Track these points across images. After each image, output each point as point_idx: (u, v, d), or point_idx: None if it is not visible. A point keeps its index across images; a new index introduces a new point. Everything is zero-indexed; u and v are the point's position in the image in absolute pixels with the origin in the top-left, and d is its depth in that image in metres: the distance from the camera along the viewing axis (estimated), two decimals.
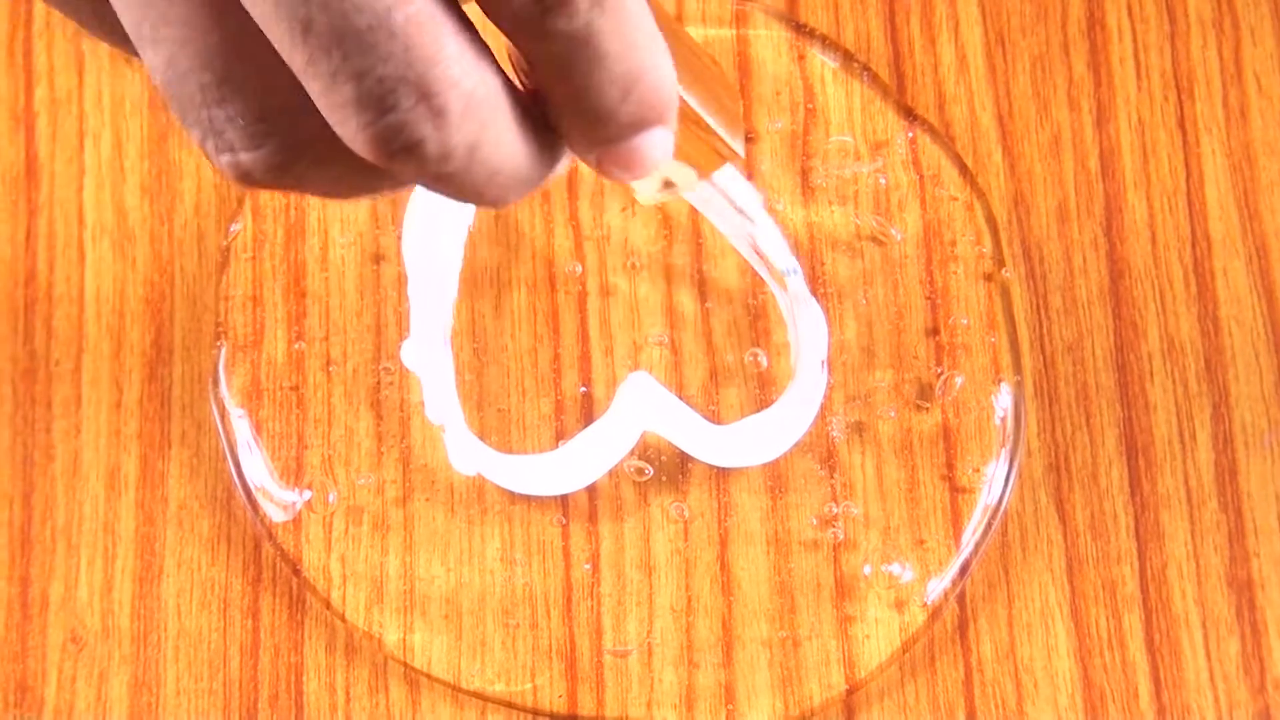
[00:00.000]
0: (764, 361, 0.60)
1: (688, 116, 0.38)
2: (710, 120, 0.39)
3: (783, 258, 0.59)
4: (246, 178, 0.35)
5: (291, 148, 0.35)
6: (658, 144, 0.34)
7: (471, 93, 0.32)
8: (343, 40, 0.32)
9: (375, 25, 0.31)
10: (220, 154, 0.35)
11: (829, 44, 0.63)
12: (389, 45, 0.31)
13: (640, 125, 0.34)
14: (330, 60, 0.32)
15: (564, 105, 0.34)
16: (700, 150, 0.40)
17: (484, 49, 0.33)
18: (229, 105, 0.34)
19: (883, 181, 0.62)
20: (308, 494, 0.59)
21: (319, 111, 0.33)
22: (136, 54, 0.35)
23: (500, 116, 0.33)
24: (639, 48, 0.33)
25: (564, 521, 0.59)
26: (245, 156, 0.34)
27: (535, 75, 0.34)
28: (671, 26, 0.37)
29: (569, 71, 0.33)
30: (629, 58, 0.33)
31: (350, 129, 0.32)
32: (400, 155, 0.32)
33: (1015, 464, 0.59)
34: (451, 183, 0.34)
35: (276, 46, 0.32)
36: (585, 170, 0.62)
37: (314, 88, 0.32)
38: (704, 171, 0.41)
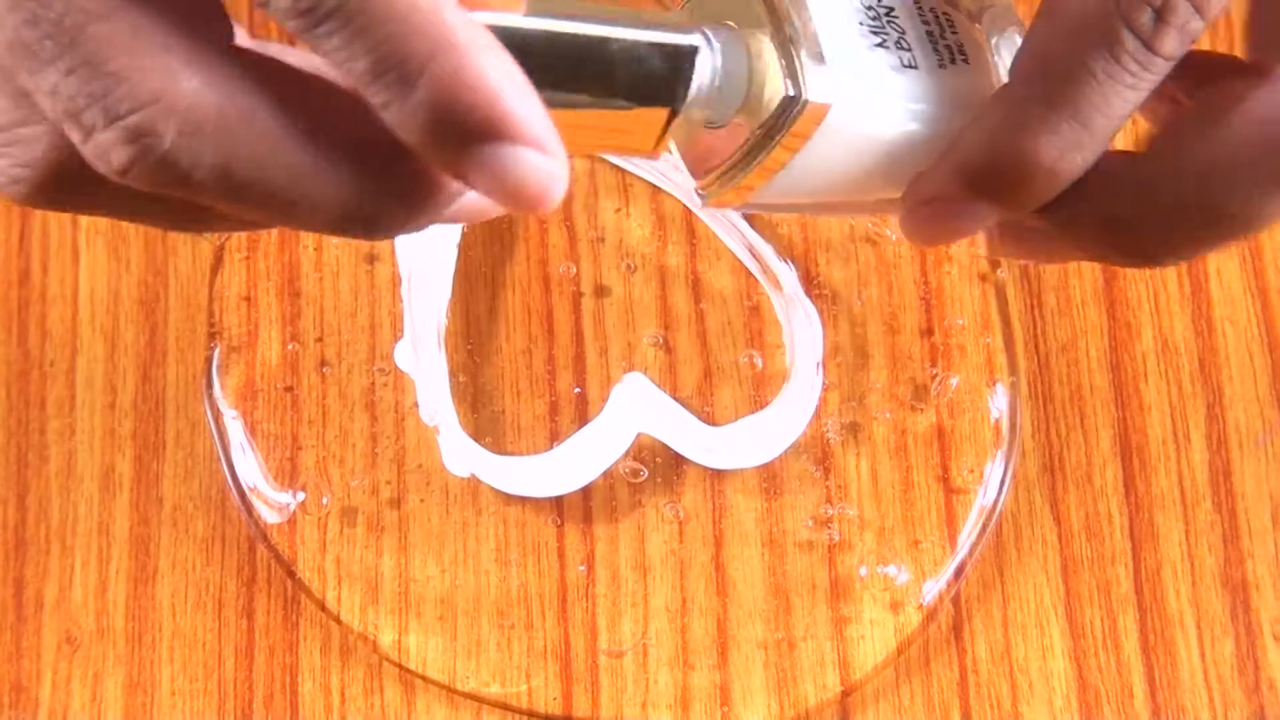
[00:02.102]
0: (759, 363, 0.60)
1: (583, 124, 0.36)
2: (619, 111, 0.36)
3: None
4: (14, 195, 0.34)
5: (23, 163, 0.33)
6: (518, 164, 0.32)
7: (188, 111, 0.31)
8: (19, 55, 0.31)
9: (50, 37, 0.30)
10: None
11: None
12: (65, 61, 0.30)
13: (459, 131, 0.31)
14: (20, 75, 0.31)
15: (368, 97, 0.32)
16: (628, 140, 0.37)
17: (231, 60, 0.32)
18: None
19: None
20: (301, 495, 0.59)
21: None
22: None
23: (260, 137, 0.32)
24: (411, 27, 0.30)
25: (559, 522, 0.59)
26: (13, 172, 0.33)
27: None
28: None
29: (344, 63, 0.31)
30: (394, 39, 0.30)
31: (76, 143, 0.31)
32: (129, 177, 0.31)
33: (1011, 465, 0.59)
34: (248, 213, 0.32)
35: None
36: (579, 170, 0.62)
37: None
38: (644, 149, 0.38)
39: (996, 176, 0.38)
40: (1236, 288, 0.61)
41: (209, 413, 0.60)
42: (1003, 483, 0.59)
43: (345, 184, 0.33)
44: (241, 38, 0.33)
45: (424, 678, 0.58)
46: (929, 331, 0.60)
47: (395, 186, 0.33)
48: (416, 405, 0.59)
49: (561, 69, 0.35)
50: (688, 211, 0.61)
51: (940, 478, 0.59)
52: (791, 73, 0.37)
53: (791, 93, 0.37)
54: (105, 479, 0.60)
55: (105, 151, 0.31)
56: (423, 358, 0.59)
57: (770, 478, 0.59)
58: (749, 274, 0.60)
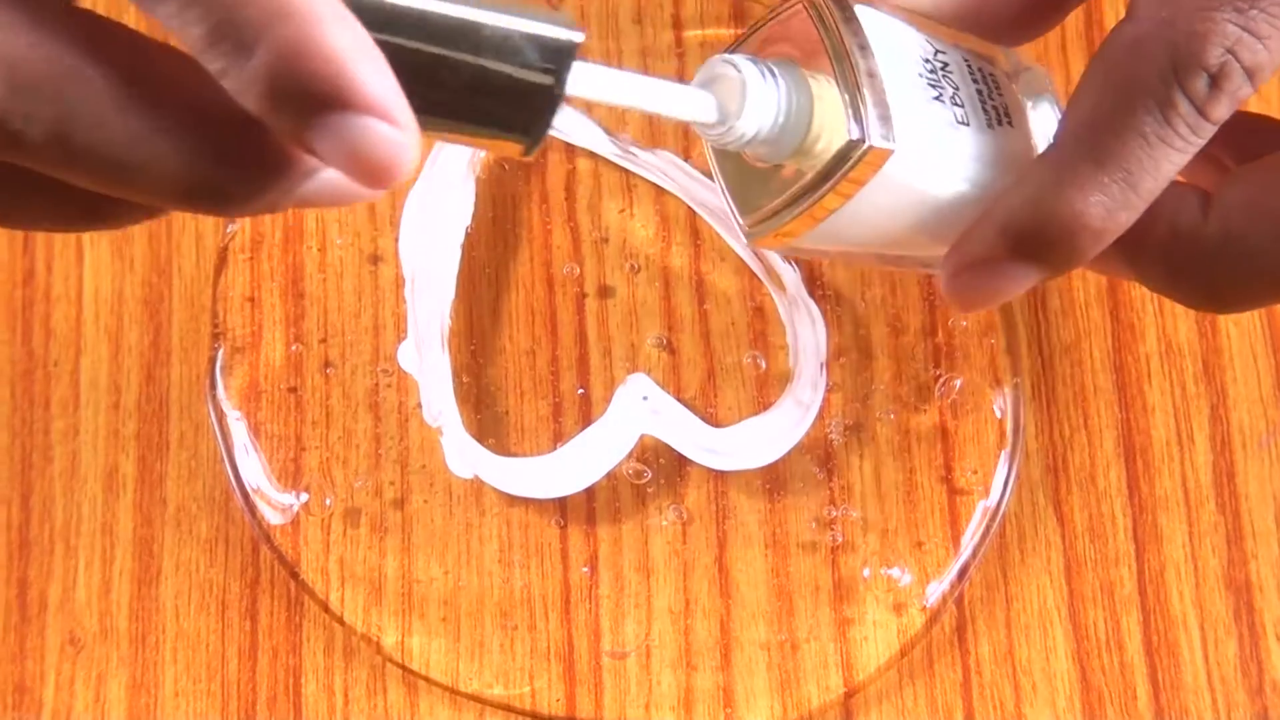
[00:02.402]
0: (762, 364, 0.60)
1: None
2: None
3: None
4: None
5: None
6: (363, 134, 0.30)
7: (17, 67, 0.30)
8: None
9: None
10: None
11: None
12: None
13: (301, 99, 0.30)
14: None
15: (216, 79, 0.31)
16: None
17: (80, 23, 0.31)
18: None
19: None
20: (305, 496, 0.59)
21: None
22: None
23: (96, 99, 0.31)
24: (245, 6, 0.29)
25: (562, 524, 0.59)
26: None
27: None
28: None
29: (181, 29, 0.30)
30: (230, 4, 0.29)
31: None
32: None
33: (1014, 466, 0.59)
34: (90, 181, 0.31)
35: None
36: (584, 171, 0.62)
37: None
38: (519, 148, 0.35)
39: (1041, 237, 0.38)
40: None
41: (212, 414, 0.60)
42: (1006, 484, 0.58)
43: (188, 151, 0.32)
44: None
45: (427, 679, 0.58)
46: (933, 332, 0.60)
47: (242, 157, 0.32)
48: (420, 406, 0.59)
49: (425, 56, 0.33)
50: (691, 212, 0.61)
51: (944, 479, 0.59)
52: (857, 116, 0.37)
53: (855, 136, 0.37)
54: (109, 480, 0.60)
55: None
56: (426, 359, 0.59)
57: (774, 479, 0.59)
58: (752, 275, 0.60)
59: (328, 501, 0.59)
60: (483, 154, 0.61)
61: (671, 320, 0.61)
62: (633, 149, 0.60)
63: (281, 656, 0.59)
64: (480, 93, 0.33)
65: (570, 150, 0.62)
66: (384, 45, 0.31)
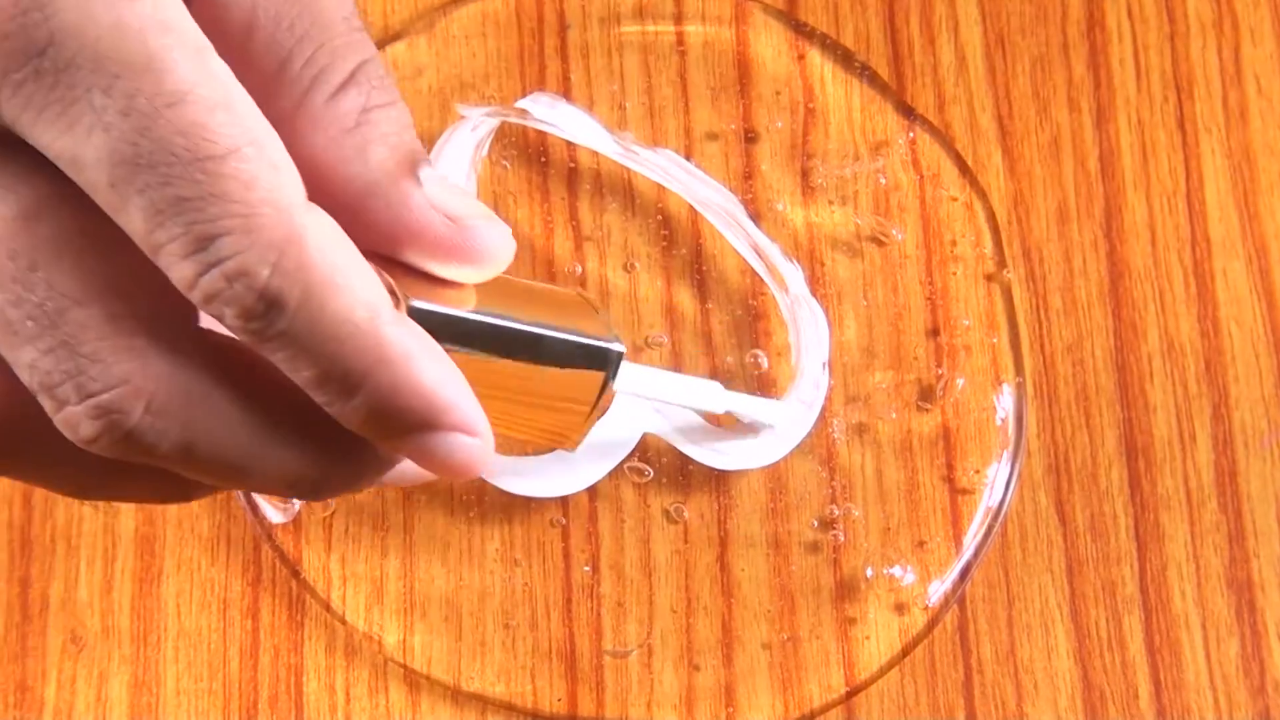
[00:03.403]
0: (764, 363, 0.60)
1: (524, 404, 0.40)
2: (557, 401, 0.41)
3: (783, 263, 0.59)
4: None
5: None
6: (447, 449, 0.36)
7: (155, 393, 0.33)
8: (9, 333, 0.33)
9: (28, 318, 0.33)
10: None
11: (829, 44, 0.63)
12: (44, 340, 0.33)
13: (400, 425, 0.35)
14: (5, 350, 0.33)
15: (320, 401, 0.35)
16: (556, 432, 0.42)
17: (190, 342, 0.34)
18: None
19: (883, 181, 0.62)
20: None
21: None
22: None
23: (215, 412, 0.34)
24: (350, 343, 0.34)
25: (564, 522, 0.59)
26: None
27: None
28: (514, 292, 0.40)
29: (291, 373, 0.34)
30: (334, 358, 0.34)
31: (49, 412, 0.34)
32: (96, 447, 0.34)
33: (1017, 466, 0.59)
34: (205, 479, 0.35)
35: None
36: (584, 169, 0.62)
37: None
38: (571, 441, 0.43)
39: None
40: (1243, 288, 0.61)
41: None
42: (1008, 484, 0.59)
43: (294, 455, 0.36)
44: (204, 319, 0.36)
45: (429, 678, 0.58)
46: (935, 332, 0.60)
47: (339, 458, 0.37)
48: None
49: (499, 356, 0.40)
50: (693, 211, 0.61)
51: (946, 478, 0.59)
52: None
53: None
54: None
55: (75, 424, 0.33)
56: None
57: (775, 478, 0.59)
58: (754, 274, 0.60)
59: (330, 500, 0.59)
60: (484, 152, 0.61)
61: (673, 319, 0.61)
62: (634, 147, 0.60)
63: (283, 655, 0.59)
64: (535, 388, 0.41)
65: (571, 148, 0.62)
66: (462, 355, 0.37)
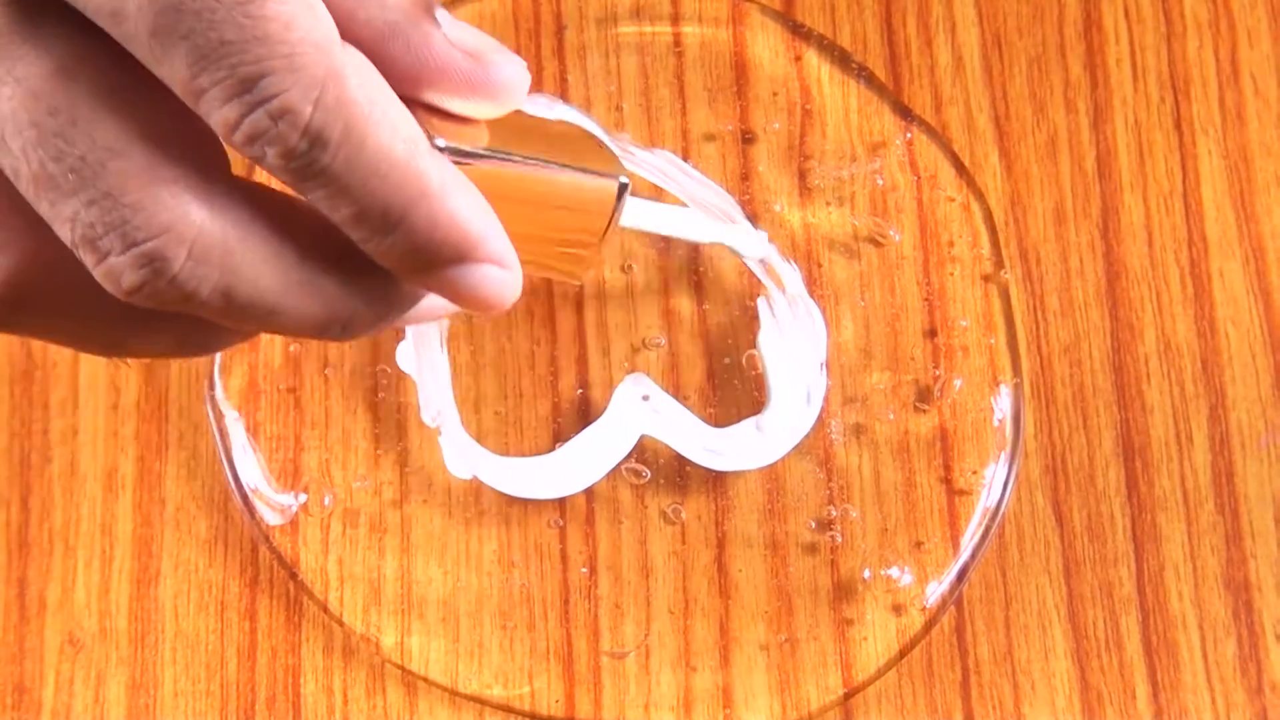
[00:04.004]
0: (762, 364, 0.60)
1: (538, 238, 0.41)
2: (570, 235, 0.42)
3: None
4: None
5: (24, 267, 0.36)
6: (480, 280, 0.36)
7: (199, 235, 0.34)
8: (42, 187, 0.33)
9: (71, 170, 0.33)
10: None
11: (826, 45, 0.63)
12: (86, 191, 0.33)
13: (436, 258, 0.36)
14: (41, 205, 0.34)
15: (354, 236, 0.35)
16: (571, 261, 0.43)
17: (228, 188, 0.35)
18: None
19: (880, 182, 0.62)
20: (304, 496, 0.59)
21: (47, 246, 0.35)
22: None
23: (254, 255, 0.35)
24: (391, 178, 0.34)
25: (561, 524, 0.59)
26: None
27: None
28: (519, 128, 0.40)
29: (330, 211, 0.35)
30: (375, 194, 0.34)
31: (90, 268, 0.34)
32: (138, 297, 0.34)
33: (1014, 467, 0.59)
34: (241, 324, 0.36)
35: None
36: None
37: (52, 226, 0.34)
38: (577, 274, 0.43)
39: None
40: (1239, 289, 0.61)
41: (211, 414, 0.60)
42: (1006, 484, 0.59)
43: (328, 295, 0.36)
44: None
45: (426, 679, 0.58)
46: (932, 333, 0.60)
47: (369, 295, 0.37)
48: (419, 406, 0.59)
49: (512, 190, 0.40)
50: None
51: (943, 479, 0.59)
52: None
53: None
54: (108, 480, 0.60)
55: (118, 273, 0.34)
56: (425, 359, 0.59)
57: (773, 479, 0.59)
58: (751, 274, 0.60)
59: (326, 501, 0.59)
60: None
61: (670, 320, 0.61)
62: (631, 148, 0.60)
63: (280, 656, 0.59)
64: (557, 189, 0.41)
65: None
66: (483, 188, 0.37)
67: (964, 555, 0.58)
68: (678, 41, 0.63)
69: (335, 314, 0.37)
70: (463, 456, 0.59)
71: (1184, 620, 0.58)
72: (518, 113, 0.40)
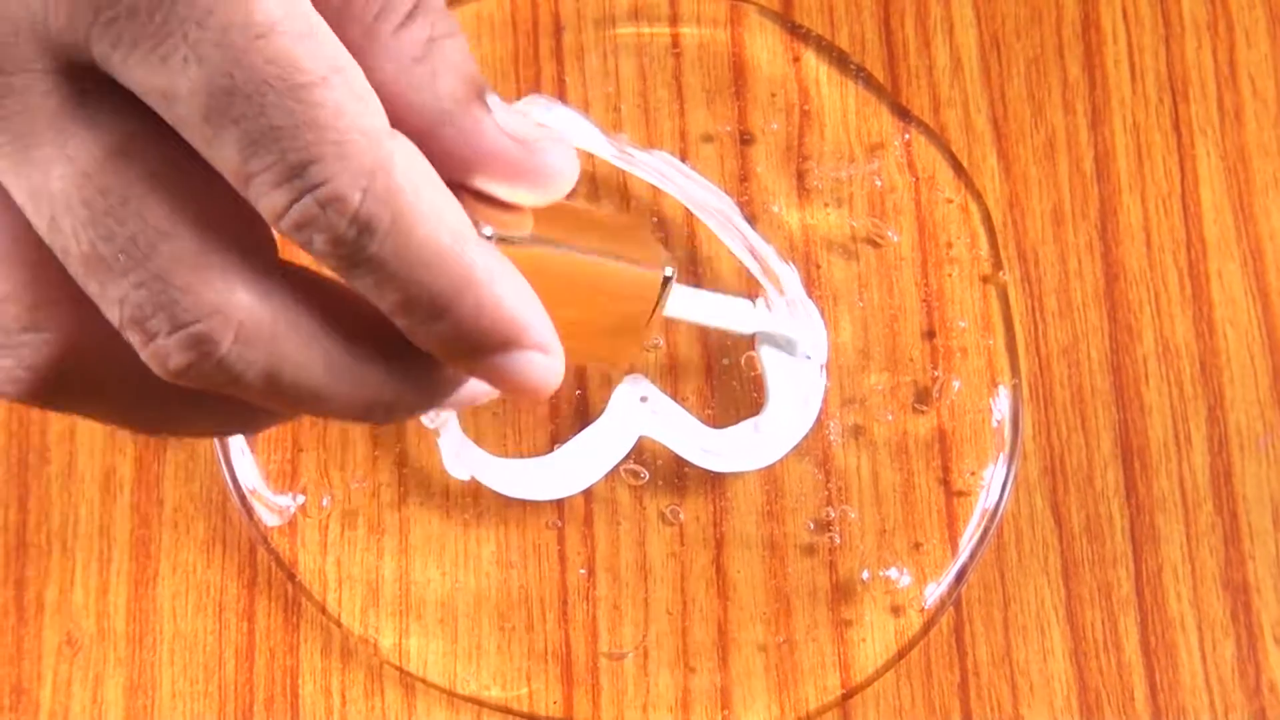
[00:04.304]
0: (761, 366, 0.60)
1: (584, 328, 0.41)
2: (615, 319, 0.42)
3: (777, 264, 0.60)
4: (14, 385, 0.36)
5: (69, 349, 0.36)
6: (525, 367, 0.37)
7: (246, 319, 0.34)
8: (93, 267, 0.34)
9: (123, 251, 0.33)
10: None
11: (824, 46, 0.63)
12: (137, 272, 0.33)
13: (482, 347, 0.36)
14: (90, 285, 0.34)
15: (402, 327, 0.36)
16: (612, 348, 0.43)
17: (273, 272, 0.35)
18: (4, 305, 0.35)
19: (878, 183, 0.62)
20: (302, 498, 0.59)
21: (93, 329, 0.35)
22: None
23: (299, 340, 0.35)
24: (438, 267, 0.34)
25: (559, 525, 0.59)
26: (16, 373, 0.36)
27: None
28: (575, 221, 0.40)
29: (376, 298, 0.35)
30: (421, 282, 0.34)
31: (137, 349, 0.34)
32: (184, 379, 0.35)
33: (1013, 468, 0.59)
34: (285, 407, 0.36)
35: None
36: (581, 173, 0.61)
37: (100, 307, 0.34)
38: (618, 361, 0.43)
39: None
40: (1237, 290, 0.61)
41: None
42: (1004, 486, 0.59)
43: (372, 381, 0.37)
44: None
45: (424, 681, 0.58)
46: (931, 334, 0.60)
47: (414, 381, 0.37)
48: None
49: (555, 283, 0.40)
50: (688, 213, 0.61)
51: (942, 480, 0.59)
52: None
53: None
54: (106, 481, 0.60)
55: (165, 355, 0.34)
56: None
57: (771, 480, 0.59)
58: (750, 275, 0.60)
59: (325, 502, 0.59)
60: None
61: (669, 321, 0.60)
62: (629, 149, 0.60)
63: (279, 658, 0.59)
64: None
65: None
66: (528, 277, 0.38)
67: (962, 556, 0.58)
68: (676, 42, 0.63)
69: (379, 399, 0.37)
70: (461, 457, 0.59)
71: (1182, 621, 0.58)
72: (565, 201, 0.40)
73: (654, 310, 0.42)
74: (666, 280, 0.42)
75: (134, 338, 0.34)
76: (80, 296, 0.34)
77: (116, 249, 0.33)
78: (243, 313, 0.34)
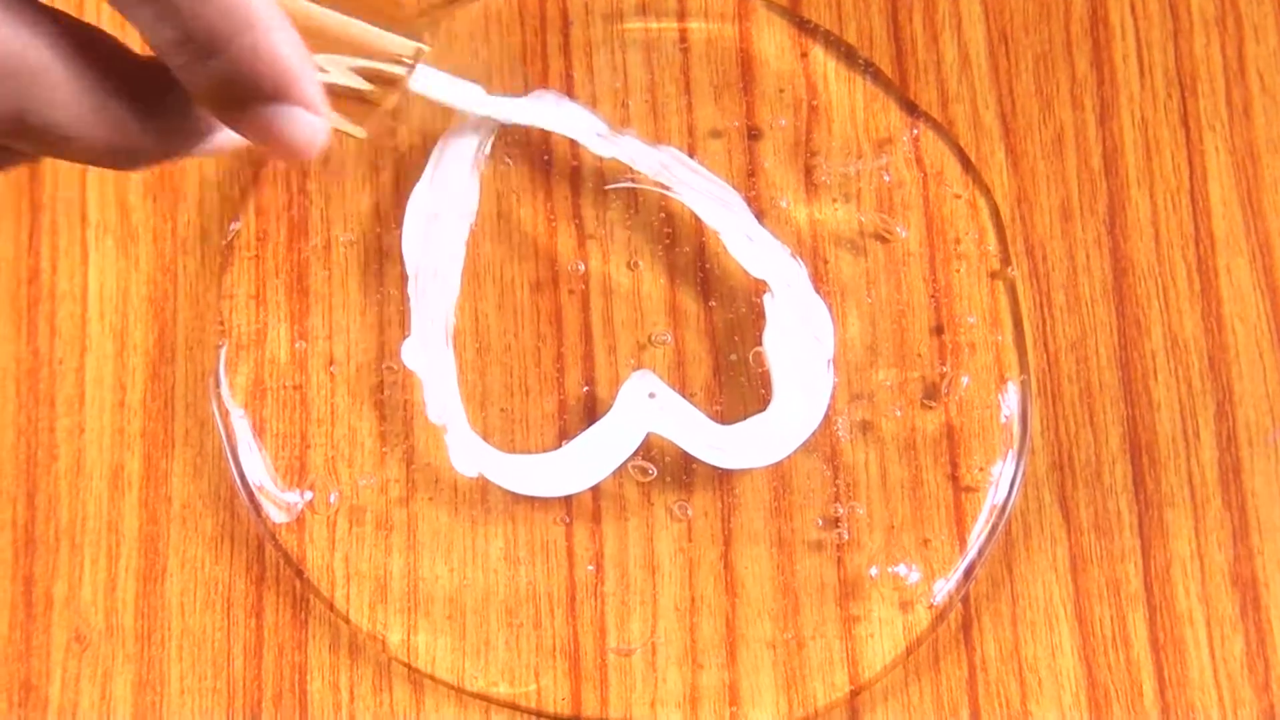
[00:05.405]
0: (768, 361, 0.60)
1: (337, 91, 0.40)
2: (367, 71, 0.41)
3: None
4: None
5: None
6: (293, 123, 0.36)
7: None
8: None
9: None
10: None
11: (832, 41, 0.63)
12: None
13: (252, 93, 0.35)
14: None
15: (170, 63, 0.35)
16: (356, 109, 0.42)
17: (43, 17, 0.35)
18: None
19: (886, 179, 0.62)
20: (309, 494, 0.59)
21: None
22: None
23: (53, 83, 0.35)
24: (218, 8, 0.34)
25: (567, 521, 0.59)
26: None
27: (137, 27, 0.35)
28: None
29: (152, 32, 0.34)
30: (202, 17, 0.34)
31: None
32: None
33: (1021, 463, 0.59)
34: (32, 147, 0.36)
35: None
36: (588, 168, 0.62)
37: None
38: (362, 125, 0.43)
39: None
40: (1246, 285, 0.61)
41: (216, 411, 0.60)
42: (1013, 481, 0.58)
43: (118, 124, 0.36)
44: None
45: (432, 677, 0.58)
46: (939, 329, 0.60)
47: (160, 126, 0.37)
48: (425, 404, 0.59)
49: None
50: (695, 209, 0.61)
51: (950, 476, 0.59)
52: None
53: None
54: (114, 477, 0.60)
55: None
56: (431, 356, 0.59)
57: (780, 476, 0.59)
58: (757, 271, 0.60)
59: (332, 499, 0.59)
60: (487, 151, 0.61)
61: (676, 317, 0.60)
62: (637, 144, 0.60)
63: (287, 654, 0.59)
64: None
65: (574, 147, 0.62)
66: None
67: (971, 552, 0.58)
68: (684, 37, 0.63)
69: (123, 142, 0.36)
70: (469, 454, 0.59)
71: (1191, 617, 0.58)
72: None
73: (403, 79, 0.42)
74: (418, 52, 0.43)
75: None
76: None
77: None
78: None
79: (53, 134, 0.35)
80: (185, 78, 0.35)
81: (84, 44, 0.35)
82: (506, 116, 0.61)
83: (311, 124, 0.36)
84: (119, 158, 0.37)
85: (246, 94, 0.35)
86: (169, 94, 0.36)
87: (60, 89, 0.35)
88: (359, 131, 0.44)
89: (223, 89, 0.35)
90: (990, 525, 0.58)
